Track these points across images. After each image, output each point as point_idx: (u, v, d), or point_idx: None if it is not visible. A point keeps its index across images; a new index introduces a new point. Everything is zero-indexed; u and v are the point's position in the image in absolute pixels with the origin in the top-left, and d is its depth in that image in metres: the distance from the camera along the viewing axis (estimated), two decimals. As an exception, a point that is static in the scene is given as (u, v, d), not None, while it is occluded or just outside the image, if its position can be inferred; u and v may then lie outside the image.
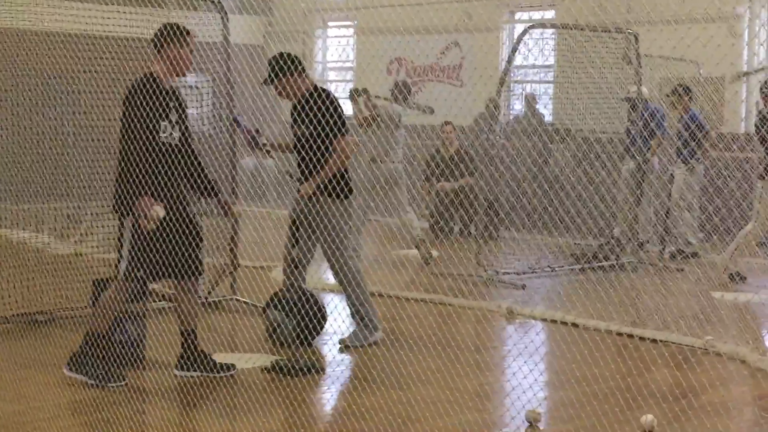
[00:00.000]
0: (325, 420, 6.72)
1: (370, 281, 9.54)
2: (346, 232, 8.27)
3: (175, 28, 7.19)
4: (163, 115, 7.03)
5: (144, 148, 6.91)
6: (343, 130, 8.08)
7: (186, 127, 7.27)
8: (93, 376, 7.08)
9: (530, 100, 16.27)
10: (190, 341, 7.35)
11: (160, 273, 7.09)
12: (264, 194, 15.71)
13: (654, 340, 8.72)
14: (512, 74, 15.63)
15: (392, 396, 6.98)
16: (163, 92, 7.05)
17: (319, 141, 7.92)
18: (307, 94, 8.13)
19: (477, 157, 14.77)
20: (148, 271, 7.05)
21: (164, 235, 6.96)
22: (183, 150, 7.23)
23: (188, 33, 7.19)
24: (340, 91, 21.19)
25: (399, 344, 8.41)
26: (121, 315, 7.47)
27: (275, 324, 8.27)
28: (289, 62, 8.06)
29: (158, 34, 7.18)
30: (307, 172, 8.12)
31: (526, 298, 10.57)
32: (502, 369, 8.16)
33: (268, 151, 8.14)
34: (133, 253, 7.03)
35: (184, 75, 7.24)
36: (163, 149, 7.02)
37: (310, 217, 8.21)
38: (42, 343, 8.15)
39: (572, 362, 7.87)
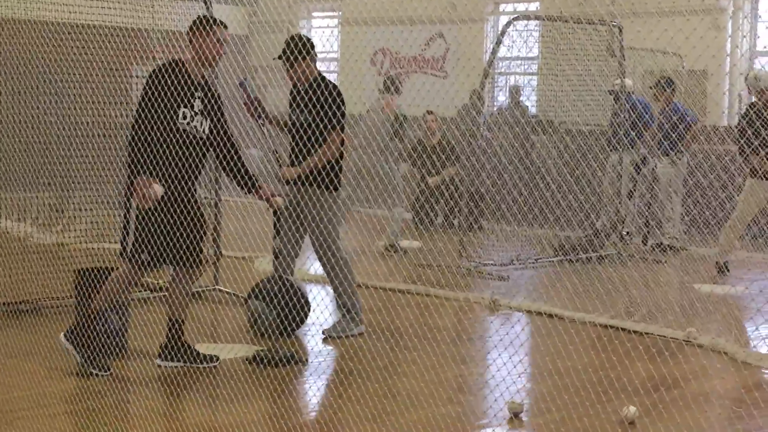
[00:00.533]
0: (306, 411, 6.74)
1: (354, 272, 9.55)
2: (335, 223, 8.28)
3: (202, 18, 7.28)
4: (185, 102, 7.05)
5: (155, 132, 6.94)
6: (341, 123, 8.07)
7: (219, 120, 7.28)
8: (82, 354, 7.07)
9: (514, 92, 16.28)
10: (175, 331, 7.35)
11: (162, 258, 7.10)
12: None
13: (636, 332, 8.76)
14: (496, 66, 15.66)
15: (374, 387, 6.99)
16: (188, 80, 7.10)
17: (316, 130, 7.96)
18: (313, 82, 8.14)
19: (459, 148, 14.78)
20: (151, 255, 7.06)
21: (167, 220, 6.98)
22: (214, 142, 7.27)
23: (215, 23, 7.21)
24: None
25: (380, 335, 8.43)
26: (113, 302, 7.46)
27: (257, 314, 8.28)
28: (308, 46, 8.09)
29: (190, 25, 7.26)
30: (298, 159, 8.11)
31: (509, 290, 10.59)
32: (483, 360, 8.19)
33: (262, 123, 8.12)
34: (137, 236, 7.04)
35: (211, 65, 7.27)
36: (179, 136, 7.03)
37: (299, 209, 8.22)
38: (26, 332, 8.14)
39: (554, 354, 7.90)
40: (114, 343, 7.54)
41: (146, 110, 7.00)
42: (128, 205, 7.11)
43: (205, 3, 9.81)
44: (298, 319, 8.36)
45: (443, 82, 19.22)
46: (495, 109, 16.52)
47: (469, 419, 6.54)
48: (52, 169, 10.02)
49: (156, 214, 6.98)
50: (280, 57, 8.13)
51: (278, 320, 8.18)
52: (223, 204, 10.12)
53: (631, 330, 8.80)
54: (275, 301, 8.13)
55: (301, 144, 8.03)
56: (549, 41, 14.19)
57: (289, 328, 8.27)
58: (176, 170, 7.00)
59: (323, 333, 8.49)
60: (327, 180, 8.11)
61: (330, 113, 7.95)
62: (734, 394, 7.38)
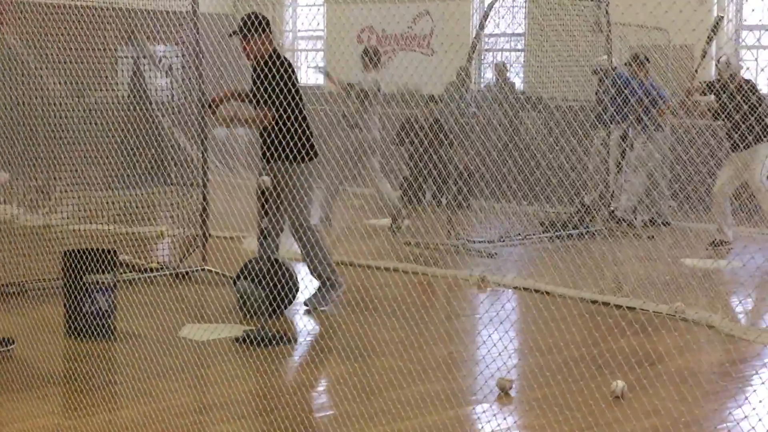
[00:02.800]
0: (296, 390, 6.73)
1: (342, 250, 9.56)
2: (309, 194, 8.38)
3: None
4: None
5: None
6: (294, 102, 8.09)
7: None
8: None
9: (501, 69, 16.25)
10: None
11: None
12: (234, 164, 15.65)
13: (624, 307, 8.76)
14: (483, 43, 15.62)
15: (363, 365, 7.00)
16: None
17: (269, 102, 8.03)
18: (266, 58, 8.21)
19: (447, 126, 14.76)
20: None
21: None
22: None
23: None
24: (311, 59, 21.14)
25: (369, 313, 8.43)
26: (91, 286, 7.45)
27: (246, 295, 8.27)
28: (257, 23, 8.15)
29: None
30: (269, 143, 8.15)
31: (498, 267, 10.59)
32: (472, 337, 8.19)
33: (213, 110, 8.32)
34: None
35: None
36: None
37: (275, 183, 8.25)
38: (13, 315, 8.12)
39: (543, 330, 7.91)
40: (101, 324, 7.53)
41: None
42: None
43: (190, -18, 9.75)
44: (287, 299, 8.35)
45: (430, 59, 19.17)
46: (482, 85, 16.49)
47: (459, 396, 6.54)
48: (38, 150, 9.99)
49: None
50: (233, 34, 8.31)
51: (267, 300, 8.18)
52: (210, 184, 10.09)
53: (618, 305, 8.80)
54: (263, 280, 8.13)
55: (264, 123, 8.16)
56: (536, 17, 14.15)
57: (278, 308, 8.26)
58: None
59: (305, 304, 8.58)
60: (295, 152, 8.13)
61: (278, 88, 8.00)
62: (719, 367, 7.40)
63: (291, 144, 8.07)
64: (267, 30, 8.24)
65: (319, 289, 8.66)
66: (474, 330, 8.41)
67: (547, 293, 9.29)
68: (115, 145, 10.46)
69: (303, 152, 8.24)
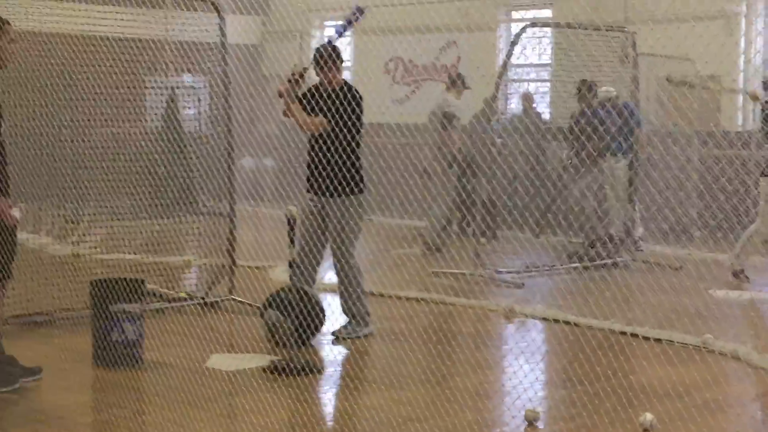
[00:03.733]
0: (326, 420, 6.73)
1: (369, 281, 9.54)
2: (357, 228, 8.49)
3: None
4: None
5: None
6: (355, 129, 8.18)
7: None
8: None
9: (527, 99, 16.24)
10: None
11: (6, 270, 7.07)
12: (263, 193, 15.70)
13: (652, 339, 8.71)
14: (509, 73, 15.60)
15: (392, 395, 6.98)
16: None
17: (330, 142, 8.11)
18: (337, 89, 8.47)
19: (469, 155, 14.81)
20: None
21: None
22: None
23: (5, 23, 7.04)
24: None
25: (398, 343, 8.42)
26: (119, 315, 7.47)
27: (275, 324, 8.24)
28: (334, 54, 8.50)
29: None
30: (318, 174, 8.20)
31: (525, 297, 10.56)
32: (501, 368, 8.16)
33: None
34: None
35: (4, 67, 7.08)
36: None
37: (323, 217, 8.33)
38: (40, 344, 8.14)
39: (571, 361, 7.87)
40: (129, 353, 7.54)
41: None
42: None
43: (218, 13, 9.79)
44: (313, 327, 8.35)
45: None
46: (508, 116, 16.48)
47: (487, 427, 6.52)
48: (67, 180, 10.04)
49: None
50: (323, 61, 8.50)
51: (294, 329, 8.17)
52: (237, 213, 10.11)
53: (646, 336, 8.75)
54: (291, 310, 8.12)
55: (318, 154, 8.25)
56: (562, 48, 14.15)
57: (304, 337, 8.26)
58: (4, 182, 6.97)
59: (333, 334, 8.60)
60: (352, 183, 8.23)
61: (345, 117, 8.15)
62: (748, 399, 7.34)
63: (347, 176, 8.14)
64: (338, 61, 8.53)
65: (349, 322, 8.68)
66: (502, 361, 8.38)
67: (575, 324, 9.25)
68: (143, 174, 10.51)
69: (354, 185, 8.31)
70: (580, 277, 11.61)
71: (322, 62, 8.47)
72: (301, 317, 8.14)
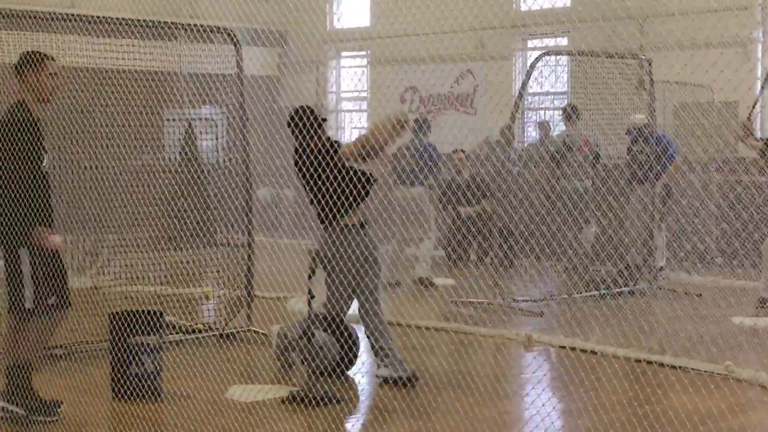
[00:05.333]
0: (344, 451, 6.70)
1: (386, 310, 9.52)
2: (376, 256, 8.30)
3: (30, 55, 7.10)
4: (42, 145, 7.07)
5: (29, 178, 6.97)
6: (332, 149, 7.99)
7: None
8: (25, 407, 7.00)
9: (543, 128, 16.27)
10: (22, 375, 7.10)
11: (64, 296, 7.06)
12: (279, 224, 15.72)
13: (673, 366, 8.67)
14: (526, 101, 15.63)
15: (411, 426, 6.96)
16: (36, 120, 7.05)
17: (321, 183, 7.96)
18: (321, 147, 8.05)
19: (484, 184, 14.88)
20: (57, 296, 7.03)
21: (53, 263, 7.00)
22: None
23: (46, 57, 7.09)
24: (355, 120, 21.25)
25: (417, 373, 8.38)
26: (138, 348, 7.47)
27: (321, 347, 8.12)
28: (306, 118, 8.02)
29: (16, 63, 7.13)
30: (323, 207, 8.08)
31: (544, 326, 10.53)
32: (520, 397, 8.12)
33: None
34: (36, 286, 6.98)
35: (47, 101, 7.16)
36: (42, 179, 7.09)
37: (362, 249, 8.20)
38: (60, 377, 8.14)
39: (591, 390, 7.83)
40: (148, 385, 7.53)
41: (13, 157, 6.90)
42: (17, 259, 7.00)
43: (235, 45, 9.82)
44: (351, 356, 8.34)
45: (474, 118, 19.22)
46: (525, 144, 16.50)
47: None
48: (86, 212, 10.06)
49: (44, 259, 6.96)
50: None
51: (340, 357, 8.19)
52: (255, 244, 10.12)
53: (668, 364, 8.71)
54: (337, 339, 8.11)
55: (314, 194, 8.08)
56: (578, 76, 14.17)
57: (341, 369, 8.25)
58: (49, 214, 7.02)
59: (378, 376, 8.27)
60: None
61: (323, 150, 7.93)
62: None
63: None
64: (316, 123, 8.02)
65: (392, 360, 8.26)
66: (521, 390, 8.34)
67: (594, 352, 9.21)
68: (162, 206, 10.53)
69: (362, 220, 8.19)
70: (598, 305, 11.56)
71: (302, 126, 7.99)
72: (345, 347, 8.12)
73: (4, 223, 6.95)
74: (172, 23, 9.54)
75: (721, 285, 12.92)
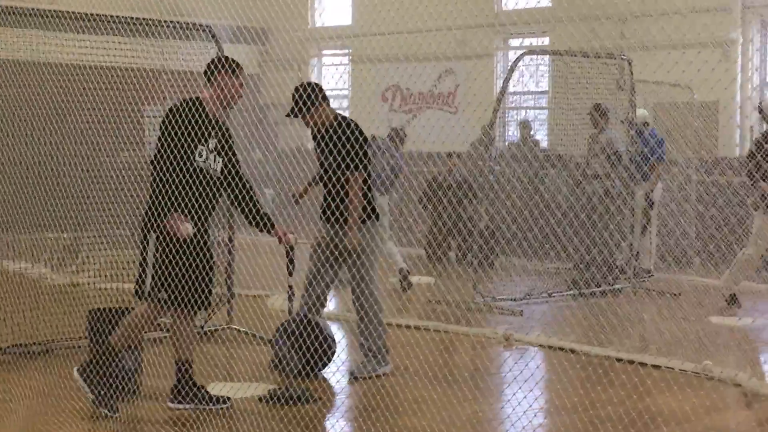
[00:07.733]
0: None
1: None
2: (374, 255, 8.28)
3: (227, 59, 7.30)
4: (202, 141, 7.10)
5: (174, 170, 6.98)
6: (363, 163, 8.06)
7: (232, 159, 7.34)
8: (94, 392, 7.05)
9: (524, 127, 16.30)
10: (184, 372, 7.31)
11: (181, 297, 7.08)
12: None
13: (651, 366, 8.71)
14: (507, 101, 15.66)
15: (389, 424, 6.96)
16: (206, 119, 7.14)
17: (339, 173, 7.99)
18: (329, 126, 8.12)
19: (467, 184, 14.89)
20: (169, 294, 7.04)
21: (185, 259, 6.99)
22: (226, 181, 7.33)
23: (239, 66, 7.27)
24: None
25: (395, 372, 8.40)
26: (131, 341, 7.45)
27: (284, 357, 8.20)
28: (317, 92, 8.07)
29: (210, 64, 7.28)
30: (333, 205, 8.09)
31: (523, 325, 10.56)
32: (498, 396, 8.15)
33: (297, 201, 8.35)
34: (156, 275, 7.04)
35: (231, 106, 7.32)
36: (196, 175, 7.07)
37: (333, 244, 8.21)
38: (39, 373, 8.13)
39: (569, 388, 7.86)
40: (127, 383, 7.51)
41: (166, 148, 7.03)
42: (146, 244, 7.10)
43: (216, 43, 9.83)
44: (326, 359, 8.34)
45: (456, 117, 19.26)
46: (505, 143, 16.54)
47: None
48: (66, 209, 10.04)
49: (175, 252, 6.99)
50: (289, 114, 8.18)
51: (303, 362, 8.17)
52: (236, 242, 10.12)
53: (644, 363, 8.75)
54: (301, 342, 8.11)
55: (330, 186, 8.09)
56: (559, 76, 14.21)
57: (316, 369, 8.26)
58: (194, 209, 7.03)
59: (350, 374, 8.35)
60: (366, 211, 8.15)
61: (352, 153, 7.96)
62: (747, 426, 7.33)
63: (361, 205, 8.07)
64: (320, 99, 8.09)
65: (368, 359, 8.40)
66: (499, 388, 8.36)
67: (573, 351, 9.24)
68: (140, 203, 10.51)
69: (370, 211, 8.20)
70: (578, 304, 11.61)
71: (302, 105, 8.04)
72: (312, 349, 8.11)
73: (147, 208, 7.08)
74: (151, 20, 9.53)
75: (699, 284, 12.97)
